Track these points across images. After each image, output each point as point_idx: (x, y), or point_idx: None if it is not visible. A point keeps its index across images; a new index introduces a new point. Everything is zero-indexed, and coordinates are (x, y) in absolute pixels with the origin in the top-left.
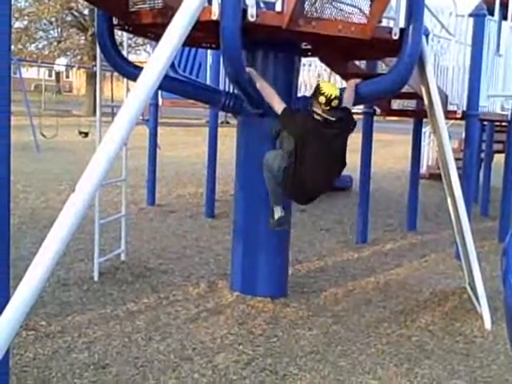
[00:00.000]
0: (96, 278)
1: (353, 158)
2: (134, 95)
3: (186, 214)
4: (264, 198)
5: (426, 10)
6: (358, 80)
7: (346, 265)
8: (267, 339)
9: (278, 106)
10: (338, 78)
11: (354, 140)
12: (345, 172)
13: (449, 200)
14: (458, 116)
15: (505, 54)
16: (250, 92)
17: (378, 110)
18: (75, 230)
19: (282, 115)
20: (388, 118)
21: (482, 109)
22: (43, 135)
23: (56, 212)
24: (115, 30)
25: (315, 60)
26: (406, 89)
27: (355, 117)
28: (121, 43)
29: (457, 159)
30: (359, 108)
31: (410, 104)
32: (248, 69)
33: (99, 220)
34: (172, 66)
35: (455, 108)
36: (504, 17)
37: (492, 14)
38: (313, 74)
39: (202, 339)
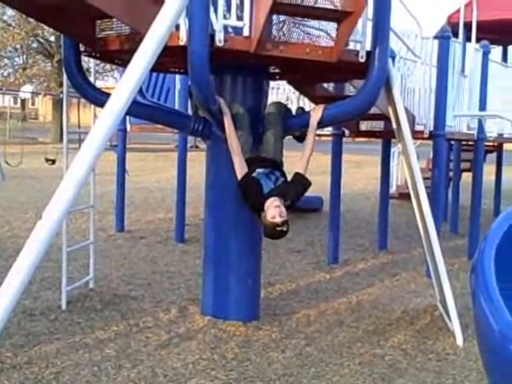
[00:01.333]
0: (64, 307)
1: (323, 179)
2: (102, 121)
3: (155, 240)
4: (233, 221)
5: (391, 33)
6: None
7: (318, 286)
8: (240, 363)
9: (240, 170)
10: (306, 100)
11: (324, 162)
12: (315, 193)
13: (418, 218)
14: (426, 136)
15: (469, 74)
16: (219, 118)
17: (347, 132)
18: (42, 258)
19: (241, 183)
20: (357, 139)
21: (448, 128)
22: (8, 163)
23: (22, 241)
24: (82, 57)
25: (284, 83)
26: (373, 110)
27: (324, 138)
28: (88, 69)
29: (425, 178)
30: (328, 130)
31: (378, 125)
32: (219, 99)
33: (67, 248)
34: (140, 91)
35: (422, 128)
36: (468, 38)
37: (456, 35)
38: (281, 97)
39: (173, 365)
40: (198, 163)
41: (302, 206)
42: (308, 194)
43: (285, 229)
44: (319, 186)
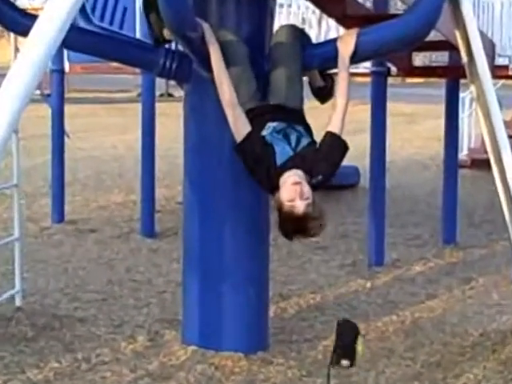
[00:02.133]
0: None
1: (358, 140)
2: (26, 58)
3: (112, 234)
4: (228, 204)
5: None
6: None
7: (354, 299)
8: None
9: (238, 128)
10: (331, 22)
11: (359, 114)
12: (349, 162)
13: (503, 197)
14: None
15: None
16: (202, 50)
17: (394, 69)
18: None
19: (241, 149)
20: (409, 79)
21: None
22: None
23: None
24: None
25: None
26: (433, 36)
27: (360, 80)
28: None
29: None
30: (366, 66)
31: (441, 58)
32: (203, 23)
33: None
34: (83, 11)
35: (506, 62)
36: None
37: None
38: (295, 20)
39: None
40: (171, 119)
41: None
42: None
43: (311, 223)
44: (354, 151)
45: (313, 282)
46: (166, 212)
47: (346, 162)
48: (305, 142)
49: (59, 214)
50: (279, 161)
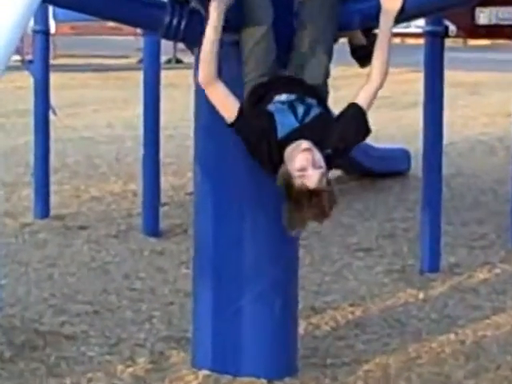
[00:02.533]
0: None
1: (410, 118)
2: (1, 16)
3: (107, 232)
4: (249, 195)
5: None
6: None
7: (402, 313)
8: None
9: (228, 104)
10: None
11: (410, 85)
12: (395, 143)
13: None
14: None
15: None
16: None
17: (453, 28)
18: None
19: (235, 124)
20: (471, 41)
21: None
22: None
23: None
24: None
25: None
26: None
27: (411, 41)
28: None
29: None
30: (418, 25)
31: (508, 15)
32: None
33: None
34: None
35: None
36: None
37: None
38: None
39: None
40: (180, 90)
41: (374, 166)
42: (384, 143)
43: (325, 200)
44: (403, 130)
45: (352, 291)
46: (173, 205)
47: (393, 144)
48: (315, 112)
49: (43, 208)
50: (281, 133)
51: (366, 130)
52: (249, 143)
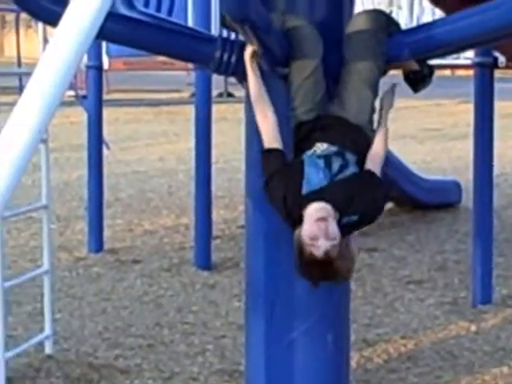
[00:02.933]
0: None
1: (460, 149)
2: (55, 51)
3: (159, 266)
4: None
5: None
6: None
7: (455, 345)
8: None
9: (268, 139)
10: (425, 3)
11: (462, 116)
12: (448, 175)
13: None
14: None
15: None
16: (270, 38)
17: (503, 60)
18: None
19: (265, 157)
20: None
21: None
22: None
23: None
24: None
25: None
26: None
27: (461, 73)
28: None
29: None
30: (467, 57)
31: None
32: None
33: (2, 282)
34: None
35: None
36: None
37: None
38: (380, 1)
39: None
40: (231, 124)
41: (425, 198)
42: (435, 175)
43: (336, 267)
44: (454, 162)
45: (404, 324)
46: (224, 238)
47: (444, 176)
48: (350, 171)
49: (97, 242)
50: (306, 189)
51: (385, 197)
52: (269, 191)
